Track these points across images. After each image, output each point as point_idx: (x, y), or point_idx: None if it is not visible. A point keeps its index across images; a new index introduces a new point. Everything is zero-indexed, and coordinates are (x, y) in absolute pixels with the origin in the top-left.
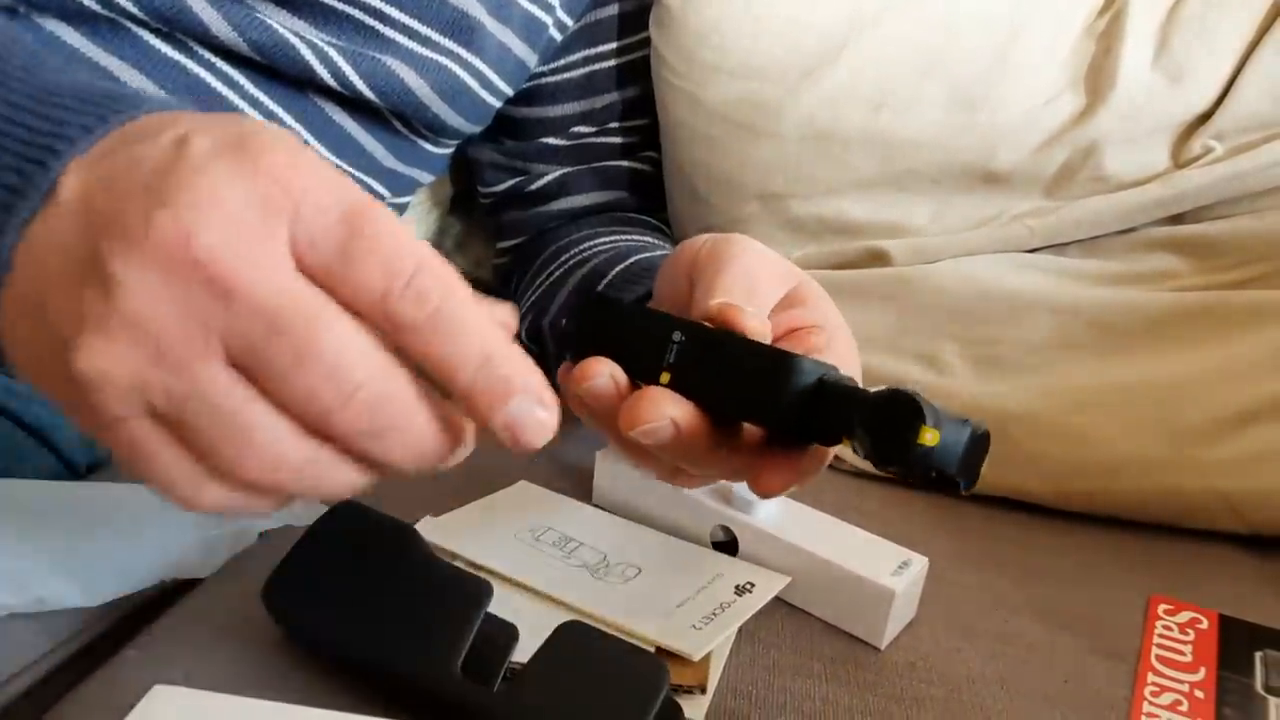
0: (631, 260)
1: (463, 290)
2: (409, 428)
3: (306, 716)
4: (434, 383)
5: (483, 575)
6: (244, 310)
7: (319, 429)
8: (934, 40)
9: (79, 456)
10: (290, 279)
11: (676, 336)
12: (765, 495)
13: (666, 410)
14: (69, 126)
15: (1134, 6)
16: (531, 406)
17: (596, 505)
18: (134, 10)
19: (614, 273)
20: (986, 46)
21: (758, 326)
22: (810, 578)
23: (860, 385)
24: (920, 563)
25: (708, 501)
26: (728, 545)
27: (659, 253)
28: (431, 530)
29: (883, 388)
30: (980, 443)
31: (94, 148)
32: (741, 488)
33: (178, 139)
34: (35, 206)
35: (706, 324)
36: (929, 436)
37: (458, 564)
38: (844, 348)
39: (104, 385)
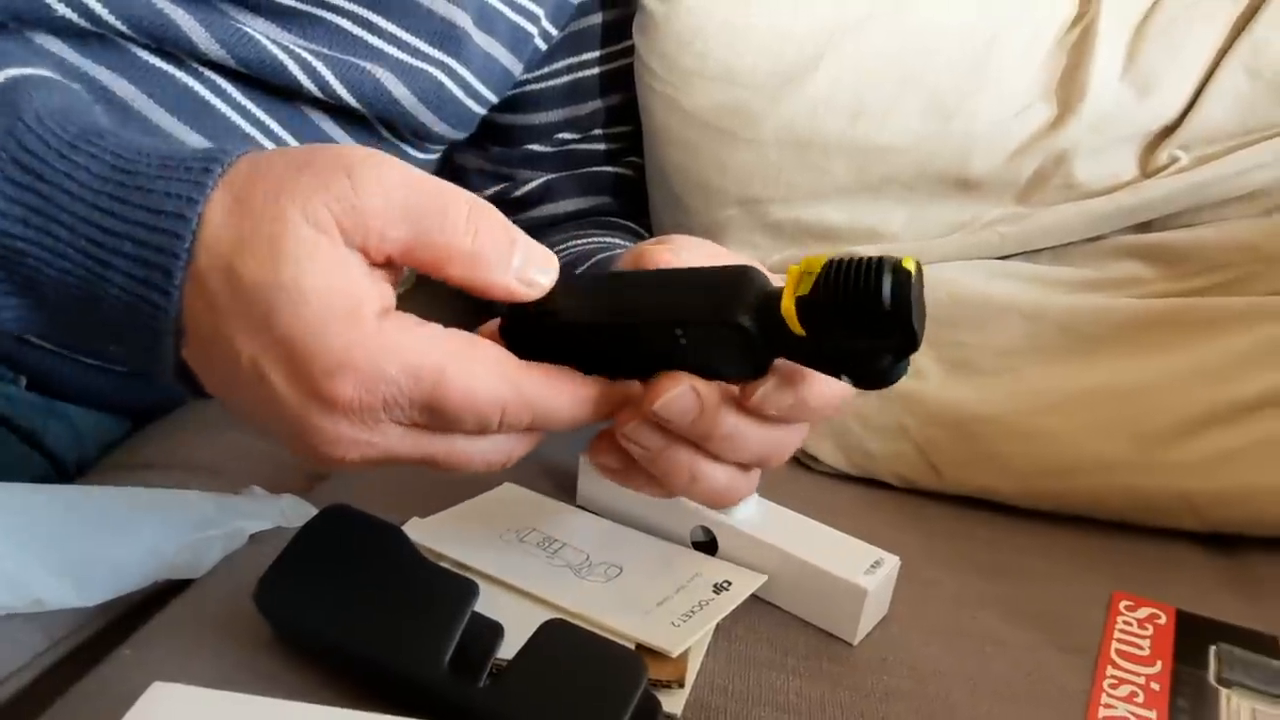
0: (591, 261)
1: (549, 409)
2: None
3: (306, 713)
4: None
5: (469, 575)
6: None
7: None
8: (911, 51)
9: (68, 457)
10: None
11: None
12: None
13: (684, 379)
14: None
15: (1104, 20)
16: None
17: (580, 506)
18: (122, 27)
19: (583, 269)
20: (962, 58)
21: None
22: (787, 576)
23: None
24: (892, 562)
25: (688, 503)
26: (707, 545)
27: (618, 252)
28: (418, 532)
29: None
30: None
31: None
32: None
33: (252, 360)
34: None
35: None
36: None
37: (444, 564)
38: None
39: (342, 468)
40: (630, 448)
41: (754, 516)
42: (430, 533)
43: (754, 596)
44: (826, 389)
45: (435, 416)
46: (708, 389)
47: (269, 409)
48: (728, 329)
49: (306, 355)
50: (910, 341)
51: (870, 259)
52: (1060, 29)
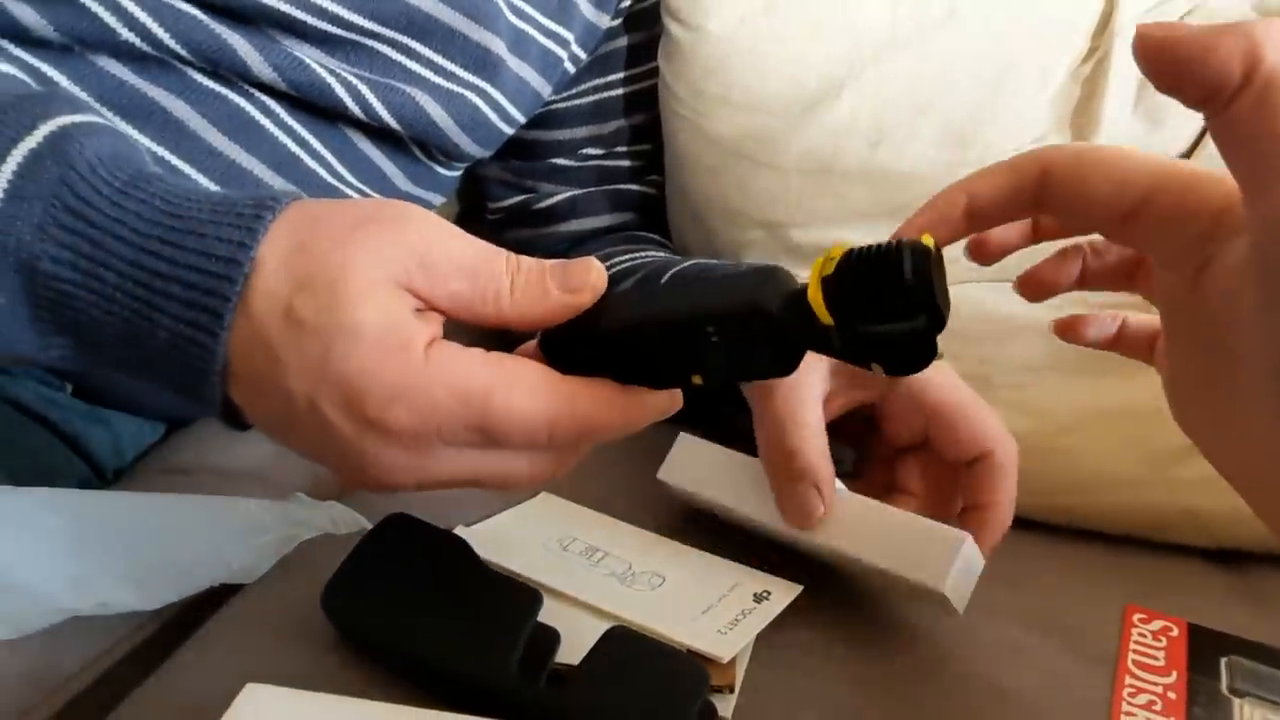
0: (687, 264)
1: (595, 423)
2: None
3: (400, 715)
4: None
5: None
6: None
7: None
8: (928, 80)
9: (107, 462)
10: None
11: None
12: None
13: None
14: (216, 301)
15: (1117, 53)
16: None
17: (661, 479)
18: (181, 51)
19: (670, 274)
20: (978, 87)
21: None
22: (881, 532)
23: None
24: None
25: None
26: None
27: (706, 261)
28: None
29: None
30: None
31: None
32: None
33: (309, 403)
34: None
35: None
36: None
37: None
38: None
39: (396, 491)
40: None
41: (842, 489)
42: (476, 541)
43: (814, 626)
44: None
45: (486, 436)
46: None
47: (325, 442)
48: (759, 320)
49: (363, 389)
50: (935, 317)
51: (889, 242)
52: (1074, 61)
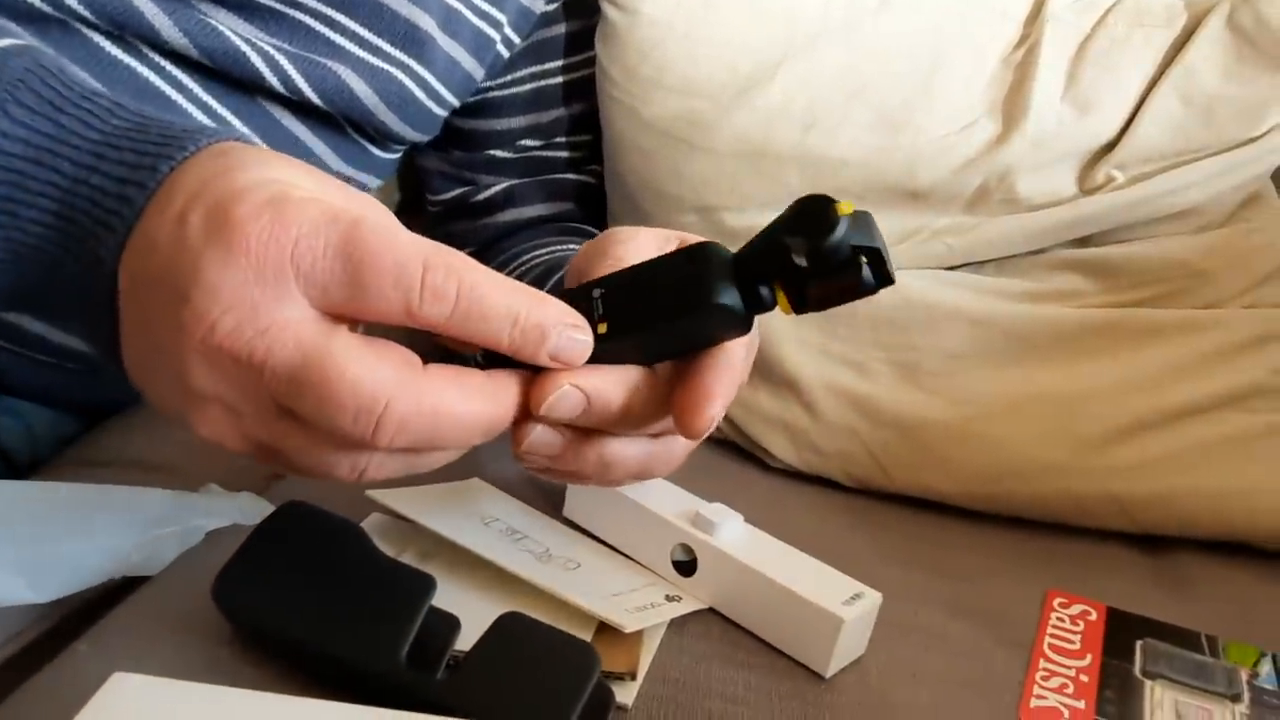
0: (562, 273)
1: (470, 268)
2: (459, 419)
3: (267, 703)
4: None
5: (433, 542)
6: (270, 377)
7: (373, 449)
8: (862, 66)
9: (21, 453)
10: (304, 333)
11: (595, 292)
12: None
13: (563, 379)
14: (113, 217)
15: (1047, 41)
16: (567, 334)
17: (567, 518)
18: (84, 12)
19: (551, 283)
20: (911, 73)
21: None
22: (764, 601)
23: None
24: (872, 597)
25: (673, 520)
26: (688, 565)
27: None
28: (386, 496)
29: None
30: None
31: (131, 238)
32: (708, 509)
33: (178, 216)
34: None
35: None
36: (844, 207)
37: (412, 527)
38: None
39: (221, 438)
40: (532, 460)
41: (737, 539)
42: (397, 499)
43: (726, 620)
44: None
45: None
46: (591, 380)
47: (158, 350)
48: (711, 311)
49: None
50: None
51: (842, 244)
52: (1005, 48)
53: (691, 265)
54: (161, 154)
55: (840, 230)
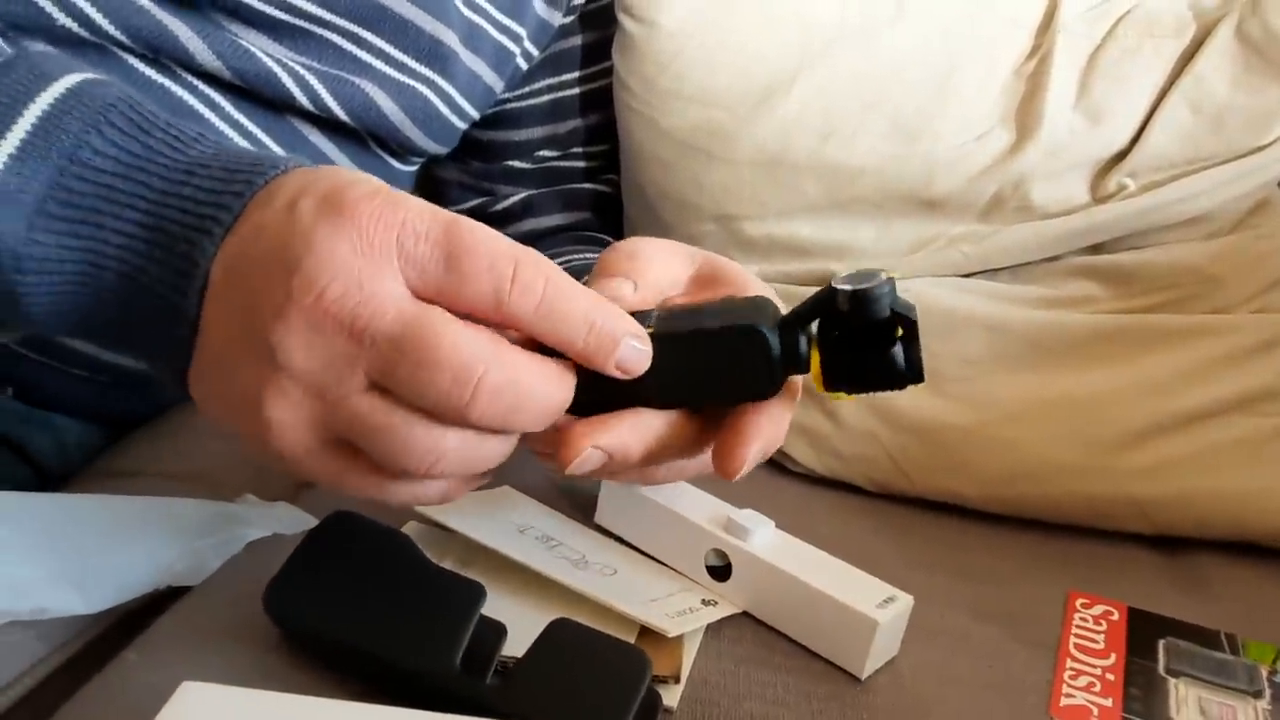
0: (584, 278)
1: (557, 271)
2: (534, 396)
3: (336, 710)
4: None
5: (469, 550)
6: (372, 342)
7: (460, 421)
8: (877, 76)
9: (52, 465)
10: (405, 305)
11: (648, 327)
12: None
13: (584, 443)
14: (209, 221)
15: (1059, 52)
16: (633, 347)
17: (598, 525)
18: (120, 37)
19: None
20: (926, 83)
21: (628, 295)
22: (799, 605)
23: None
24: (905, 600)
25: (706, 526)
26: (722, 570)
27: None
28: (424, 508)
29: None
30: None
31: (229, 238)
32: (740, 515)
33: (288, 203)
34: (202, 285)
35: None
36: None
37: (448, 535)
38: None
39: (289, 429)
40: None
41: (770, 544)
42: (436, 511)
43: (759, 624)
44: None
45: (452, 264)
46: (609, 439)
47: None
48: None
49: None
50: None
51: (879, 317)
52: (1018, 58)
53: (743, 343)
54: (256, 170)
55: (885, 285)
